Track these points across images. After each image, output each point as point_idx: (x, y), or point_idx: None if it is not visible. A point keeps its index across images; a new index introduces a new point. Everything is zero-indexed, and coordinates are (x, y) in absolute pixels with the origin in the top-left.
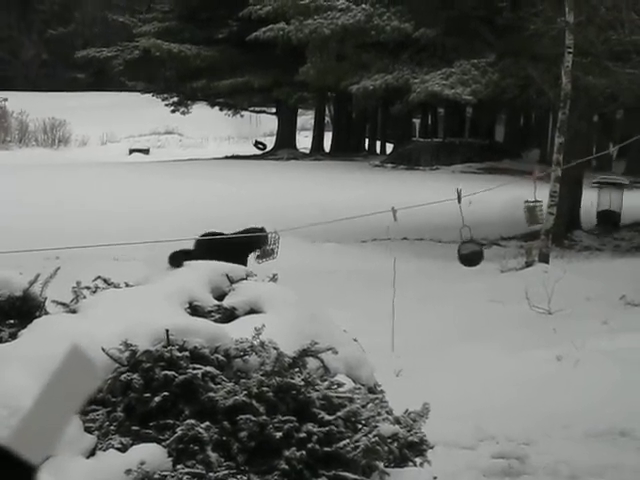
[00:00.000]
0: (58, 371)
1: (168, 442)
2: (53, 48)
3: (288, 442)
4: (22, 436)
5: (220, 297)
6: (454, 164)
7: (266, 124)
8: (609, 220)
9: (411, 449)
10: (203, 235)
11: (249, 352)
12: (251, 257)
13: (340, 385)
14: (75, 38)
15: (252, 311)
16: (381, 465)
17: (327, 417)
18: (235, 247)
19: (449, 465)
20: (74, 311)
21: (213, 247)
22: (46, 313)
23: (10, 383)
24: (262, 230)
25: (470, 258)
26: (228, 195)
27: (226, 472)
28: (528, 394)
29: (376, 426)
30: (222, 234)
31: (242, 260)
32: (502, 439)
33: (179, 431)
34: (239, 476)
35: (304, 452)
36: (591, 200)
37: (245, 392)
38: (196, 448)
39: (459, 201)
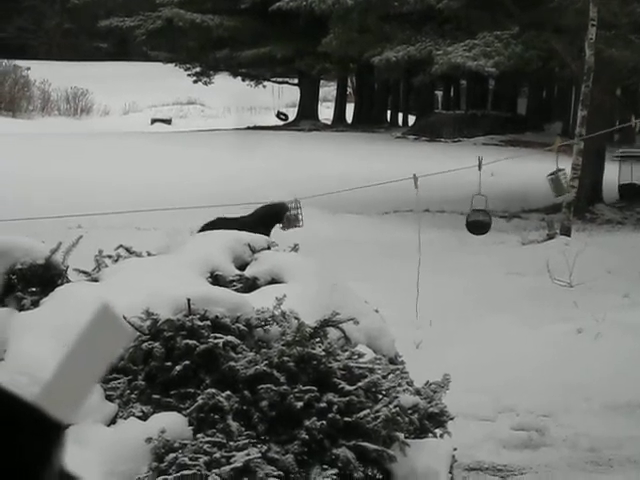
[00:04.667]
0: (87, 329)
1: (189, 411)
2: (76, 17)
3: (308, 412)
4: (49, 395)
5: (242, 267)
6: (476, 136)
7: (288, 95)
8: (631, 193)
9: (431, 420)
10: (211, 222)
11: (270, 322)
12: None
13: (361, 355)
14: (98, 7)
15: (273, 281)
16: (401, 436)
17: (348, 387)
18: (252, 228)
19: (469, 437)
20: (96, 280)
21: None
22: (68, 281)
23: (31, 351)
24: (282, 205)
25: (476, 226)
26: (249, 166)
27: (246, 441)
28: (548, 366)
29: (396, 397)
30: (229, 219)
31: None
32: (522, 411)
33: (200, 400)
34: (259, 445)
35: (324, 422)
36: (614, 174)
37: (266, 362)
38: (217, 417)
39: (479, 168)
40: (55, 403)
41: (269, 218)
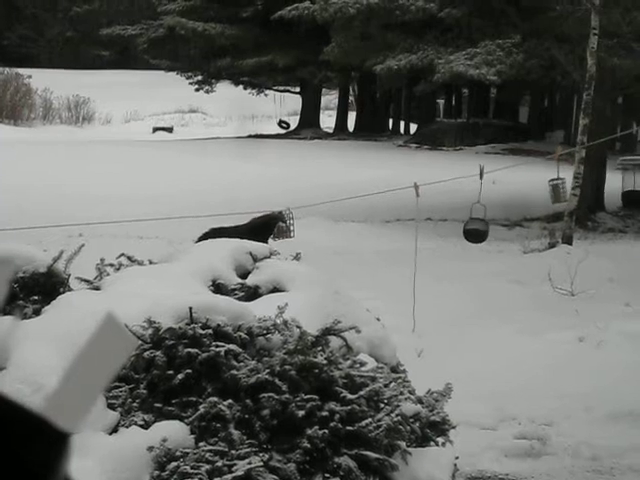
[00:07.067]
0: (93, 339)
1: (191, 419)
2: (77, 26)
3: (310, 421)
4: (55, 404)
5: (244, 275)
6: (478, 145)
7: (290, 103)
8: (634, 201)
9: (433, 429)
10: (205, 233)
11: (272, 330)
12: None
13: (363, 364)
14: (100, 16)
15: (275, 289)
16: (403, 444)
17: (349, 396)
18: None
19: (471, 445)
20: (98, 288)
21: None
22: (70, 290)
23: (33, 360)
24: (276, 215)
25: (473, 234)
26: (251, 175)
27: (248, 450)
28: (550, 375)
29: (398, 405)
30: (223, 229)
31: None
32: (524, 420)
33: (202, 408)
34: (261, 454)
35: (326, 431)
36: (616, 182)
37: (268, 370)
38: (218, 426)
39: (481, 177)
40: (61, 412)
41: (262, 228)
